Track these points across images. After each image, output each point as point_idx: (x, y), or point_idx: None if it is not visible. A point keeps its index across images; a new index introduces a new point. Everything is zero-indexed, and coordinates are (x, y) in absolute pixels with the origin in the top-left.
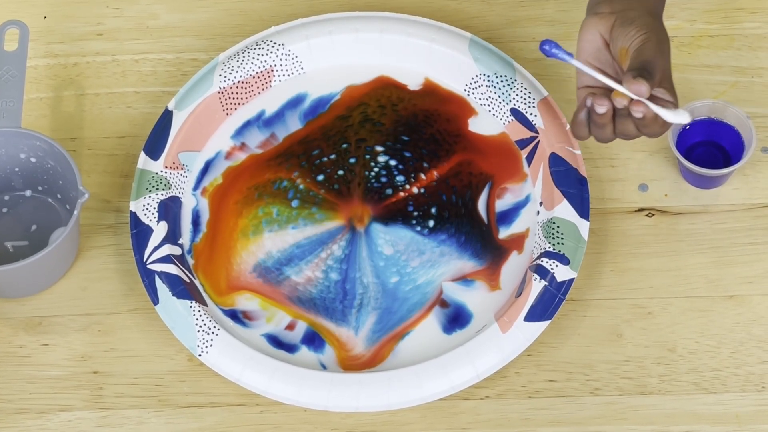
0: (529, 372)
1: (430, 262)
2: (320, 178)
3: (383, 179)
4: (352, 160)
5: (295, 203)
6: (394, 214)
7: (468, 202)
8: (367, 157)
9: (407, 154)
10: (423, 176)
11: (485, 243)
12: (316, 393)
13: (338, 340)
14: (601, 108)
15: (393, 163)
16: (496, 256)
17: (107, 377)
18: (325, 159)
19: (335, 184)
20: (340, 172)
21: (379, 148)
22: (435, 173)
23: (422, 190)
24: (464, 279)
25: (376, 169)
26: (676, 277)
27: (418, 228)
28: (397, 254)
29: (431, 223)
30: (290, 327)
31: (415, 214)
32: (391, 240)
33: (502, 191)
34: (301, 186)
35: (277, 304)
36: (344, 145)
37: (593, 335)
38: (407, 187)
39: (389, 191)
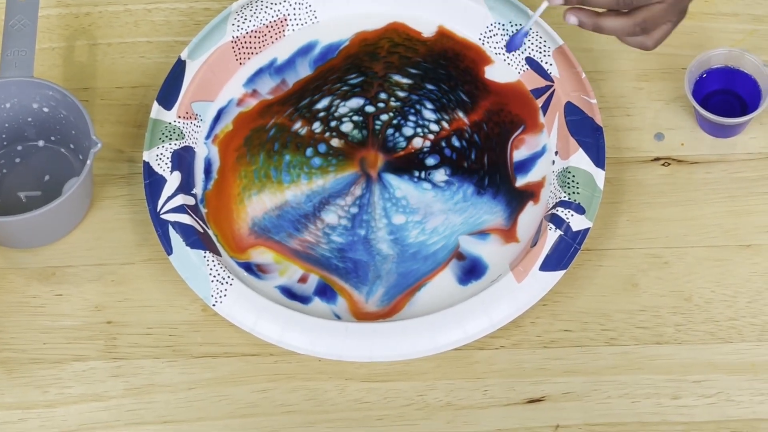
0: (545, 322)
1: (450, 217)
2: (331, 122)
3: (411, 119)
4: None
5: (308, 152)
6: (410, 165)
7: (498, 146)
8: (388, 94)
9: (444, 87)
10: (464, 113)
11: (506, 192)
12: (331, 342)
13: (350, 296)
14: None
15: (432, 94)
16: (514, 206)
17: (121, 327)
18: (339, 93)
19: (349, 127)
20: (354, 114)
21: (411, 71)
22: (478, 112)
23: (450, 136)
24: (481, 233)
25: (397, 105)
26: (693, 226)
27: (438, 177)
28: (414, 214)
29: (454, 170)
30: (303, 280)
31: (436, 161)
32: (407, 198)
33: (519, 142)
34: (303, 131)
35: (289, 259)
36: (369, 73)
37: (609, 285)
38: (439, 127)
39: (411, 134)
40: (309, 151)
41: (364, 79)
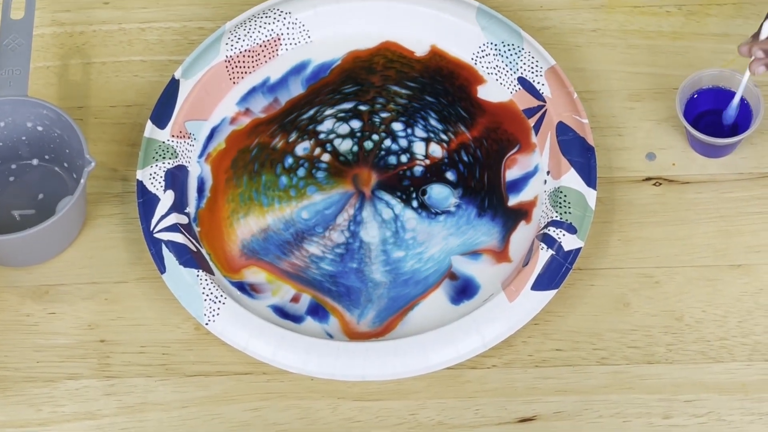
0: (536, 341)
1: (450, 241)
2: (309, 126)
3: (420, 122)
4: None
5: (277, 170)
6: (404, 185)
7: (495, 165)
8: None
9: (443, 101)
10: (466, 128)
11: (501, 213)
12: (323, 361)
13: (342, 317)
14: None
15: (430, 119)
16: (508, 226)
17: (114, 346)
18: (330, 101)
19: (329, 124)
20: (348, 130)
21: (409, 84)
22: (478, 128)
23: (447, 154)
24: (473, 253)
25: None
26: (684, 246)
27: (453, 202)
28: (418, 248)
29: (464, 191)
30: (295, 299)
31: (454, 177)
32: (416, 238)
33: (512, 161)
34: (279, 145)
35: (281, 279)
36: (361, 86)
37: (600, 304)
38: (448, 138)
39: (405, 155)
40: (278, 168)
41: (361, 87)
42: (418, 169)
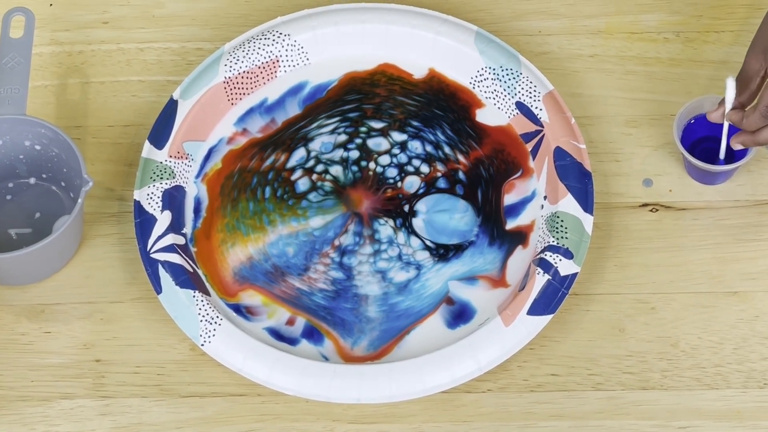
0: (532, 366)
1: (459, 269)
2: (292, 137)
3: (438, 129)
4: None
5: (247, 194)
6: (402, 210)
7: (498, 188)
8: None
9: (451, 117)
10: (475, 146)
11: (504, 239)
12: (318, 384)
13: (337, 341)
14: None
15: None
16: (504, 251)
17: (109, 366)
18: (325, 109)
19: (336, 168)
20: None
21: (416, 98)
22: (486, 147)
23: (477, 164)
24: (470, 278)
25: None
26: (680, 272)
27: (474, 233)
28: (419, 287)
29: (483, 219)
30: (290, 322)
31: (480, 191)
32: (426, 286)
33: (510, 186)
34: (253, 165)
35: (276, 303)
36: (359, 96)
37: (596, 330)
38: (465, 149)
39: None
40: (247, 192)
41: (365, 96)
42: (459, 174)
